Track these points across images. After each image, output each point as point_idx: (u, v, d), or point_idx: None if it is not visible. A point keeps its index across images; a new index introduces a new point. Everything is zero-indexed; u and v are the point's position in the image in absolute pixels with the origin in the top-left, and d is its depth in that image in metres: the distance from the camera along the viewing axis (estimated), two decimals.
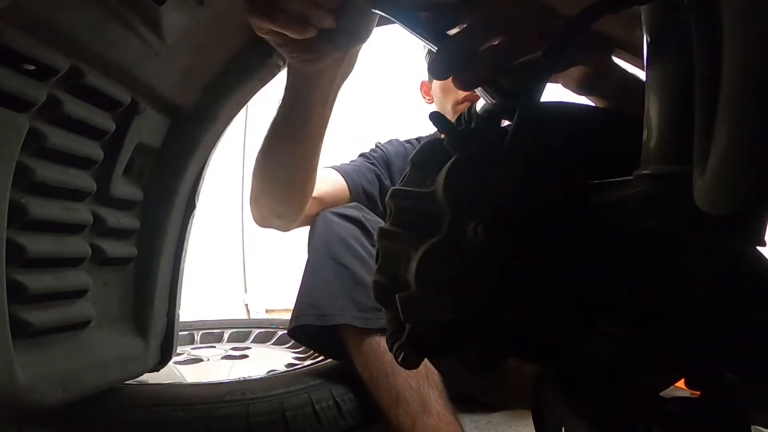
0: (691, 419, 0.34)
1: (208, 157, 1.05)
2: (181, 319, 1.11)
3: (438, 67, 0.42)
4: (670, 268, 0.32)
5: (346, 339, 1.00)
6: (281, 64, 1.00)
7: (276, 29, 0.56)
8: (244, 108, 1.07)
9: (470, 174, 0.33)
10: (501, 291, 0.33)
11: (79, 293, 0.84)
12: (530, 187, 0.34)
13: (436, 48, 0.43)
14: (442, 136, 0.36)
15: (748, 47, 0.21)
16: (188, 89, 0.95)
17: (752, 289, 0.32)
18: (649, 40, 0.32)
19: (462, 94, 1.28)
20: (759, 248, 0.31)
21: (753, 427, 0.36)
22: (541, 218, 0.34)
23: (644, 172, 0.30)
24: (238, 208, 3.13)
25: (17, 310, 0.71)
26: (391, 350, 0.37)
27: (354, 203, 1.19)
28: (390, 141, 1.46)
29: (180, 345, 1.31)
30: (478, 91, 0.46)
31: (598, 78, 0.49)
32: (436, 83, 1.40)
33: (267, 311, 2.98)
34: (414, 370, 0.91)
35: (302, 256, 1.15)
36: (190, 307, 1.33)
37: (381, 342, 0.94)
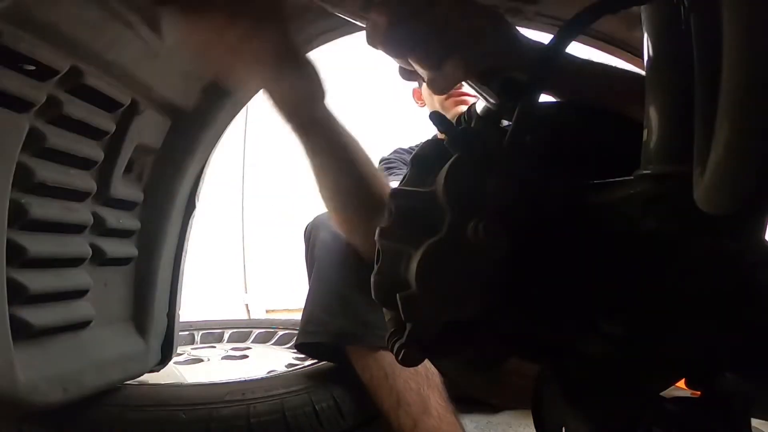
0: (691, 419, 0.34)
1: (208, 158, 1.05)
2: (181, 319, 1.11)
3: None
4: (670, 268, 0.32)
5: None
6: None
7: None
8: (244, 108, 1.07)
9: (470, 174, 0.33)
10: (501, 290, 0.33)
11: (79, 293, 0.84)
12: (530, 186, 0.34)
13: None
14: (440, 136, 0.36)
15: (748, 47, 0.21)
16: (188, 90, 0.95)
17: (752, 289, 0.32)
18: (649, 40, 0.32)
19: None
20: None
21: (753, 427, 0.36)
22: (541, 218, 0.34)
23: (644, 172, 0.30)
24: (238, 208, 3.13)
25: (18, 311, 0.71)
26: (391, 350, 0.37)
27: None
28: (395, 150, 1.46)
29: (180, 345, 1.31)
30: (477, 90, 0.46)
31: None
32: (425, 87, 1.42)
33: (267, 311, 2.98)
34: (414, 372, 0.90)
35: (302, 257, 1.15)
36: (191, 308, 1.33)
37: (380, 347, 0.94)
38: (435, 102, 1.36)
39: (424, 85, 1.40)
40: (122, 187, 0.90)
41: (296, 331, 1.07)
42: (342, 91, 0.80)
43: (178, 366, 1.36)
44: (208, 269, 2.62)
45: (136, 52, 0.79)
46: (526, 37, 0.51)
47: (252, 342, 1.72)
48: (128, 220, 0.95)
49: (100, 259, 0.88)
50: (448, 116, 1.45)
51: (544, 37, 0.83)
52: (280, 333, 1.71)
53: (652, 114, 0.31)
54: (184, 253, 1.08)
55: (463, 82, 0.49)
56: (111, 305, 0.94)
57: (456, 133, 0.35)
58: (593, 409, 0.35)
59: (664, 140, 0.30)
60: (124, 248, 0.95)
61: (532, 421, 0.41)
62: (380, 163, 1.39)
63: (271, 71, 0.71)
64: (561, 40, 0.36)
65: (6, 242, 0.68)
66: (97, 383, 0.87)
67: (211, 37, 0.67)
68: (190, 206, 1.06)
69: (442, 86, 0.49)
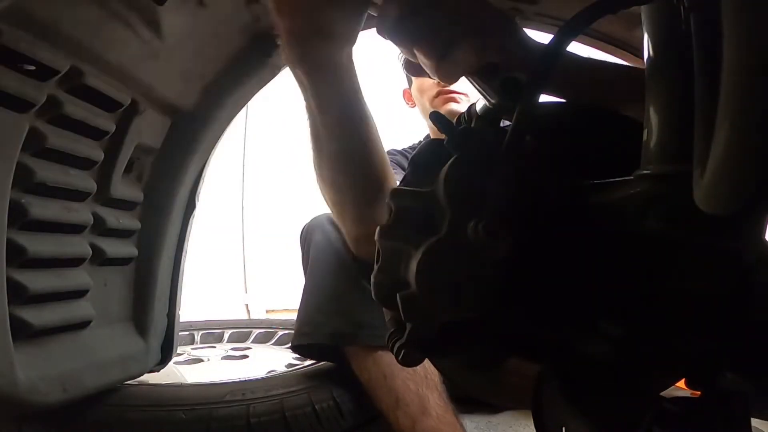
0: (691, 419, 0.34)
1: (208, 158, 1.05)
2: (181, 320, 1.12)
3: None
4: (670, 268, 0.32)
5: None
6: (281, 64, 1.00)
7: None
8: (244, 108, 1.07)
9: (470, 173, 0.33)
10: (501, 290, 0.33)
11: (79, 293, 0.84)
12: (530, 186, 0.34)
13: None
14: (433, 136, 0.36)
15: (748, 47, 0.21)
16: (188, 90, 0.95)
17: (752, 289, 0.32)
18: (649, 40, 0.32)
19: (435, 90, 1.31)
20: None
21: (753, 427, 0.36)
22: (541, 218, 0.34)
23: (644, 172, 0.30)
24: (238, 208, 3.13)
25: (18, 311, 0.71)
26: (391, 350, 0.37)
27: None
28: (389, 152, 1.45)
29: (180, 345, 1.31)
30: (478, 88, 0.46)
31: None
32: (414, 87, 1.42)
33: (267, 311, 2.98)
34: (413, 372, 0.90)
35: (300, 258, 1.15)
36: (191, 308, 1.33)
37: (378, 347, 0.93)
38: (425, 101, 1.36)
39: (414, 85, 1.42)
40: (122, 187, 0.90)
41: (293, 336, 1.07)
42: None
43: (178, 366, 1.36)
44: (208, 269, 2.62)
45: (136, 52, 0.79)
46: (533, 39, 0.52)
47: (252, 342, 1.72)
48: (128, 220, 0.95)
49: (100, 259, 0.88)
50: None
51: (544, 37, 0.83)
52: (280, 333, 1.71)
53: (652, 114, 0.31)
54: (184, 253, 1.08)
55: (462, 79, 0.49)
56: (111, 305, 0.94)
57: (456, 133, 0.35)
58: (593, 409, 0.35)
59: (664, 140, 0.30)
60: (124, 248, 0.95)
61: (532, 421, 0.41)
62: None
63: None
64: (561, 40, 0.36)
65: (6, 242, 0.68)
66: (97, 383, 0.87)
67: None
68: (190, 206, 1.06)
69: (452, 73, 0.49)
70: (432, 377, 0.91)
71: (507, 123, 0.39)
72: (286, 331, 1.68)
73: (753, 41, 0.21)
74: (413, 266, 0.33)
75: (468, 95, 1.28)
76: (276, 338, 1.70)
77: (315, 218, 1.10)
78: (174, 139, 0.98)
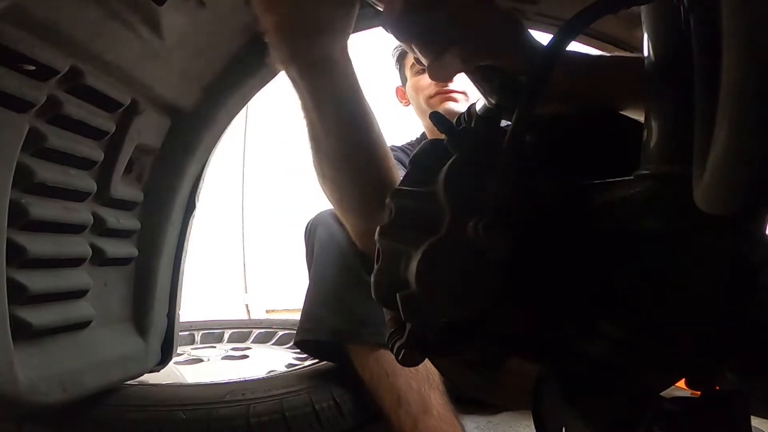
0: (691, 419, 0.34)
1: (208, 158, 1.05)
2: (181, 320, 1.12)
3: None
4: (670, 268, 0.32)
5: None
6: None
7: None
8: (244, 108, 1.07)
9: (470, 173, 0.33)
10: (501, 290, 0.33)
11: (79, 293, 0.84)
12: (530, 186, 0.34)
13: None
14: (429, 135, 0.36)
15: (748, 47, 0.21)
16: (188, 90, 0.95)
17: (752, 288, 0.32)
18: (649, 40, 0.32)
19: (433, 89, 1.30)
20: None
21: (753, 427, 0.36)
22: (541, 218, 0.34)
23: (644, 172, 0.30)
24: (238, 208, 3.13)
25: (18, 311, 0.71)
26: (392, 350, 0.37)
27: None
28: (390, 148, 1.45)
29: (180, 345, 1.31)
30: (478, 88, 0.46)
31: None
32: (408, 85, 1.42)
33: (267, 311, 2.97)
34: (414, 371, 0.90)
35: (302, 257, 1.15)
36: (191, 308, 1.33)
37: (380, 345, 0.94)
38: (420, 100, 1.35)
39: (409, 84, 1.41)
40: (122, 187, 0.91)
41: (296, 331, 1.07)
42: None
43: (178, 366, 1.36)
44: (208, 269, 2.62)
45: (136, 52, 0.79)
46: (540, 43, 0.51)
47: (252, 342, 1.72)
48: (128, 220, 0.95)
49: (100, 259, 0.88)
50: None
51: (545, 38, 0.83)
52: (280, 333, 1.71)
53: (652, 114, 0.31)
54: (184, 253, 1.08)
55: (462, 77, 0.50)
56: (111, 305, 0.94)
57: (456, 133, 0.35)
58: (593, 409, 0.35)
59: (664, 140, 0.30)
60: (124, 248, 0.95)
61: (532, 422, 0.41)
62: None
63: None
64: (561, 40, 0.36)
65: (6, 242, 0.68)
66: (97, 383, 0.87)
67: None
68: (190, 206, 1.06)
69: (439, 75, 0.50)
70: (433, 377, 0.91)
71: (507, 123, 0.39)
72: (286, 332, 1.68)
73: (753, 41, 0.21)
74: (413, 266, 0.33)
75: (467, 94, 1.27)
76: (276, 338, 1.70)
77: (319, 214, 1.10)
78: (174, 139, 0.98)
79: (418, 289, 0.33)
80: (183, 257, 1.08)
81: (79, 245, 0.83)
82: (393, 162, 0.75)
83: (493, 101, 0.44)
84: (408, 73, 1.42)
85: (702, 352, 0.34)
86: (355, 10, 0.60)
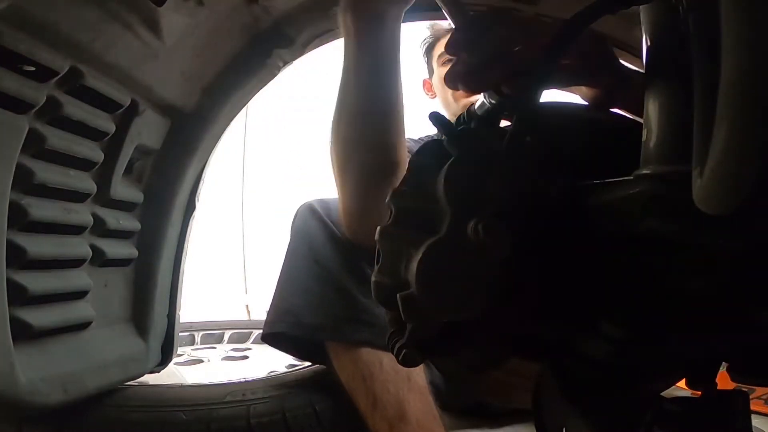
0: (691, 419, 0.34)
1: (208, 158, 1.05)
2: (181, 320, 1.12)
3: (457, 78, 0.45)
4: (670, 268, 0.32)
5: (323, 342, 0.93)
6: (281, 65, 1.00)
7: None
8: (244, 108, 1.07)
9: (470, 173, 0.33)
10: (501, 291, 0.33)
11: (79, 294, 0.84)
12: (530, 186, 0.34)
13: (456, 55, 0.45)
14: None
15: (747, 47, 0.21)
16: (188, 90, 0.96)
17: (752, 289, 0.32)
18: (648, 40, 0.32)
19: None
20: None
21: (753, 427, 0.36)
22: (542, 218, 0.34)
23: (644, 172, 0.30)
24: (238, 208, 3.13)
25: (18, 312, 0.71)
26: (392, 350, 0.37)
27: None
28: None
29: (180, 346, 1.31)
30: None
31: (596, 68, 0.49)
32: (435, 76, 1.41)
33: (267, 312, 2.97)
34: (394, 374, 0.85)
35: None
36: (191, 308, 1.33)
37: (358, 345, 0.88)
38: (447, 93, 1.33)
39: (436, 75, 1.40)
40: (122, 188, 0.91)
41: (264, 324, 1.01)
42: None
43: (178, 367, 1.36)
44: (208, 270, 2.62)
45: (135, 52, 0.79)
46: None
47: (252, 343, 1.72)
48: (128, 221, 0.95)
49: (100, 260, 0.88)
50: (461, 105, 1.36)
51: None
52: None
53: (652, 114, 0.31)
54: (184, 254, 1.08)
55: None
56: (111, 306, 0.94)
57: (455, 133, 0.35)
58: (593, 409, 0.35)
59: (664, 140, 0.30)
60: (124, 249, 0.95)
61: None
62: None
63: None
64: (560, 41, 0.36)
65: (6, 243, 0.68)
66: (97, 384, 0.87)
67: None
68: (190, 207, 1.06)
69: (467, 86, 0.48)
70: (416, 380, 0.86)
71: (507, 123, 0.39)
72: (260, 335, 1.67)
73: (752, 41, 0.21)
74: (413, 266, 0.33)
75: None
76: None
77: (301, 206, 1.03)
78: (174, 139, 0.98)
79: (419, 290, 0.33)
80: (183, 258, 1.08)
81: (79, 246, 0.83)
82: (404, 141, 0.77)
83: (493, 101, 0.44)
84: (435, 64, 1.41)
85: (702, 352, 0.34)
86: None
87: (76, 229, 0.82)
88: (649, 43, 0.32)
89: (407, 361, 0.35)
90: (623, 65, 0.51)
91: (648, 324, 0.33)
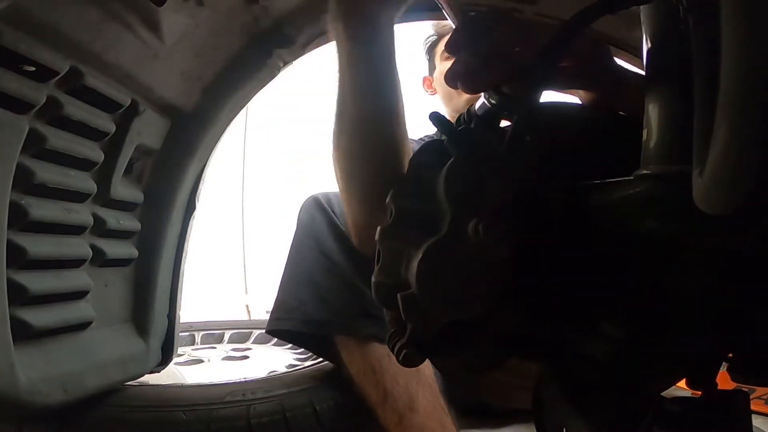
0: (692, 419, 0.34)
1: (208, 158, 1.05)
2: (181, 320, 1.11)
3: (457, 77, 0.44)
4: (670, 268, 0.32)
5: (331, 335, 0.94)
6: (281, 65, 1.00)
7: None
8: (244, 109, 1.07)
9: (470, 174, 0.33)
10: (501, 290, 0.33)
11: (79, 294, 0.84)
12: (530, 186, 0.34)
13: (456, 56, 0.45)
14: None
15: (747, 47, 0.21)
16: (188, 90, 0.96)
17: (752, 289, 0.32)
18: (648, 40, 0.32)
19: None
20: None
21: (754, 427, 0.36)
22: (542, 218, 0.34)
23: (644, 172, 0.30)
24: (238, 208, 3.13)
25: (18, 312, 0.71)
26: (392, 350, 0.37)
27: None
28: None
29: (181, 346, 1.31)
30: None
31: (593, 70, 0.49)
32: (437, 72, 1.41)
33: (267, 312, 2.96)
34: (403, 367, 0.87)
35: None
36: (191, 308, 1.33)
37: (367, 339, 0.90)
38: (449, 89, 1.33)
39: (436, 73, 1.40)
40: (122, 188, 0.91)
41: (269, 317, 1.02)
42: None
43: (178, 367, 1.36)
44: (208, 270, 2.62)
45: (135, 53, 0.79)
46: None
47: (252, 343, 1.72)
48: (128, 221, 0.95)
49: (100, 260, 0.88)
50: (462, 102, 1.36)
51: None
52: None
53: (652, 114, 0.31)
54: (184, 254, 1.08)
55: None
56: (111, 306, 0.94)
57: (455, 133, 0.35)
58: (594, 409, 0.35)
59: (664, 140, 0.30)
60: (125, 249, 0.95)
61: None
62: None
63: None
64: (560, 41, 0.36)
65: (6, 243, 0.68)
66: (97, 384, 0.87)
67: None
68: (190, 207, 1.06)
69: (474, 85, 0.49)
70: (425, 373, 0.88)
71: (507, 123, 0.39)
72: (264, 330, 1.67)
73: (752, 41, 0.21)
74: (414, 266, 0.33)
75: None
76: (276, 339, 1.70)
77: (306, 200, 1.03)
78: (174, 140, 0.98)
79: (419, 290, 0.33)
80: (183, 258, 1.08)
81: (79, 246, 0.83)
82: (409, 150, 0.74)
83: (493, 101, 0.44)
84: (438, 60, 1.41)
85: (702, 352, 0.34)
86: None
87: (76, 229, 0.82)
88: (649, 43, 0.32)
89: (407, 361, 0.36)
90: (621, 68, 0.51)
91: (648, 324, 0.33)
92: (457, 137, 0.35)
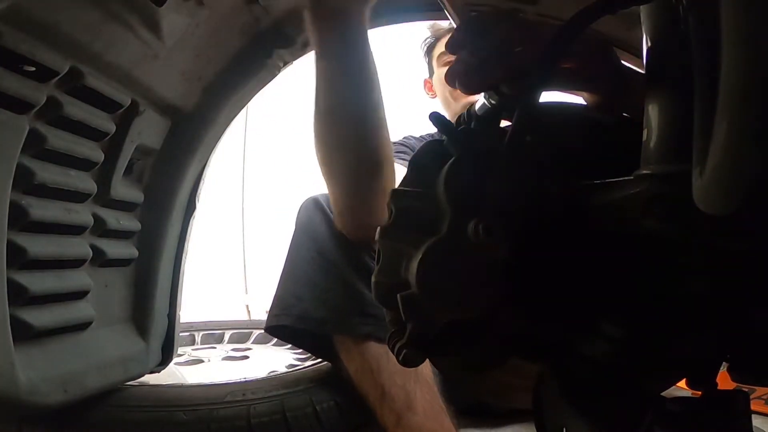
0: (692, 419, 0.34)
1: (208, 158, 1.05)
2: (181, 320, 1.12)
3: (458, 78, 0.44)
4: (671, 269, 0.32)
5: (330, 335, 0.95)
6: (281, 65, 1.00)
7: None
8: (244, 109, 1.07)
9: (470, 174, 0.33)
10: (501, 291, 0.33)
11: (79, 294, 0.84)
12: (530, 186, 0.34)
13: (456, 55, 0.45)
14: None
15: (747, 47, 0.21)
16: (188, 90, 0.96)
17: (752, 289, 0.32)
18: (648, 40, 0.32)
19: None
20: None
21: (754, 427, 0.36)
22: (542, 218, 0.34)
23: (644, 172, 0.30)
24: (238, 208, 3.13)
25: (18, 312, 0.71)
26: (392, 350, 0.37)
27: None
28: (405, 137, 1.43)
29: (181, 346, 1.31)
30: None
31: (596, 71, 0.49)
32: (436, 77, 1.41)
33: (267, 312, 2.96)
34: (401, 367, 0.86)
35: None
36: (191, 308, 1.33)
37: (365, 338, 0.90)
38: (446, 91, 1.34)
39: (436, 75, 1.41)
40: (122, 188, 0.91)
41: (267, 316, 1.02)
42: None
43: (178, 367, 1.36)
44: (208, 270, 2.62)
45: (135, 53, 0.79)
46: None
47: (252, 343, 1.72)
48: (128, 221, 0.95)
49: (100, 260, 0.88)
50: (460, 105, 1.38)
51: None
52: None
53: (652, 114, 0.31)
54: (184, 254, 1.08)
55: None
56: (111, 306, 0.94)
57: (456, 133, 0.35)
58: (593, 409, 0.35)
59: (664, 140, 0.30)
60: (125, 249, 0.96)
61: None
62: None
63: None
64: (560, 41, 0.36)
65: (6, 243, 0.69)
66: (97, 384, 0.87)
67: None
68: (190, 207, 1.06)
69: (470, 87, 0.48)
70: (423, 372, 0.88)
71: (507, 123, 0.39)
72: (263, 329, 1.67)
73: (752, 40, 0.21)
74: (413, 266, 0.33)
75: None
76: (276, 339, 1.70)
77: (305, 200, 1.04)
78: (174, 140, 0.98)
79: (419, 290, 0.33)
80: (183, 258, 1.08)
81: (79, 246, 0.83)
82: (387, 135, 0.77)
83: (493, 101, 0.44)
84: (435, 64, 1.42)
85: (702, 352, 0.34)
86: None
87: (76, 229, 0.82)
88: (649, 43, 0.32)
89: (407, 362, 0.35)
90: (628, 69, 0.51)
91: (648, 324, 0.33)
92: (457, 137, 0.35)
